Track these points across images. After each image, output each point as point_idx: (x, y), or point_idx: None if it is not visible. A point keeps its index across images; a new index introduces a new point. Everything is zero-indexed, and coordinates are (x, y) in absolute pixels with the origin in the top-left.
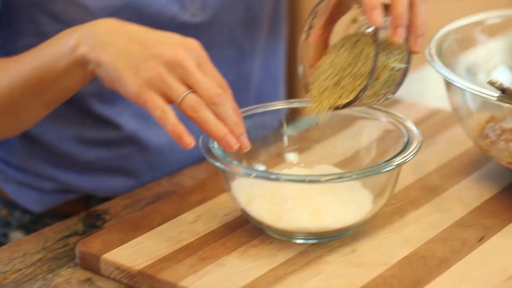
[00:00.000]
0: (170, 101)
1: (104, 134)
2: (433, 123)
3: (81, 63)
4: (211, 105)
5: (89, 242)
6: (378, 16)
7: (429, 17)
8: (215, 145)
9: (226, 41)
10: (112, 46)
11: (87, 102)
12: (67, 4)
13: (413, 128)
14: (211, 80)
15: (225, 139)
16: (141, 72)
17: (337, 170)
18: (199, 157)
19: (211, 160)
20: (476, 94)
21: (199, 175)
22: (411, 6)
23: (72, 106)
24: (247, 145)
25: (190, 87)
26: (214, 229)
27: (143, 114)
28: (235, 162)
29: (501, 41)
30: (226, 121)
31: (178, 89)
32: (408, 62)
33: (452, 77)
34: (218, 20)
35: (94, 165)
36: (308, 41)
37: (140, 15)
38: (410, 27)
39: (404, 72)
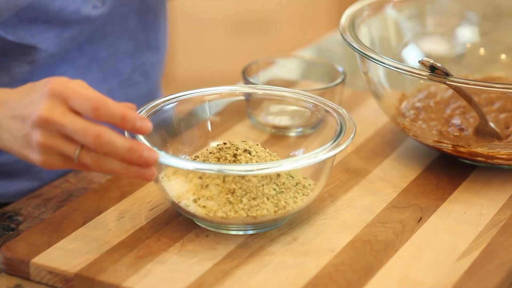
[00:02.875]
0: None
1: None
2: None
3: None
4: (96, 150)
5: (13, 246)
6: None
7: None
8: (141, 136)
9: (119, 31)
10: (2, 128)
11: None
12: None
13: (344, 112)
14: (83, 121)
15: (140, 176)
16: (34, 148)
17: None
18: None
19: None
20: (405, 73)
21: None
22: None
23: None
24: (153, 159)
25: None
26: (143, 225)
27: None
28: (165, 153)
29: (408, 19)
30: (119, 155)
31: (68, 150)
32: None
33: (374, 55)
34: (117, 10)
35: None
36: None
37: (45, 12)
38: None
39: None
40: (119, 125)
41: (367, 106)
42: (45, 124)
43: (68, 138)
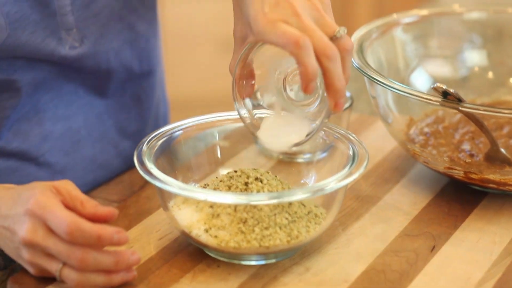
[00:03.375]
0: None
1: None
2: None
3: None
4: (82, 271)
5: (21, 278)
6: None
7: None
8: (149, 163)
9: (112, 62)
10: None
11: None
12: None
13: (355, 138)
14: (64, 244)
15: (124, 281)
16: (24, 260)
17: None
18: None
19: (150, 179)
20: (415, 98)
21: (111, 197)
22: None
23: None
24: (137, 261)
25: None
26: (153, 255)
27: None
28: (175, 181)
29: (415, 42)
30: (106, 270)
31: (50, 268)
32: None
33: (385, 81)
34: (101, 47)
35: None
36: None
37: (15, 55)
38: (329, 87)
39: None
40: (97, 245)
41: (373, 131)
42: (30, 245)
43: (52, 256)
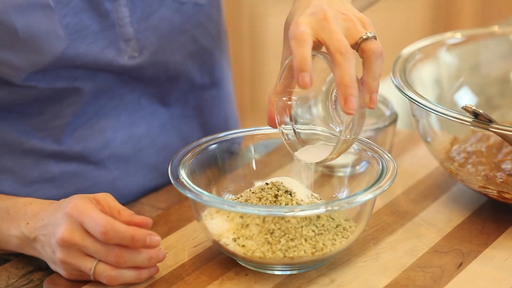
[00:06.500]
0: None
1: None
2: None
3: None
4: (118, 267)
5: (57, 279)
6: (353, 106)
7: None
8: (184, 175)
9: (173, 73)
10: (39, 242)
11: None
12: None
13: (388, 156)
14: (100, 245)
15: (149, 276)
16: (57, 263)
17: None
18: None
19: (182, 191)
20: (448, 118)
21: (159, 204)
22: (365, 61)
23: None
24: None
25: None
26: (185, 261)
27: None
28: (207, 193)
29: (464, 62)
30: (140, 265)
31: (84, 266)
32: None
33: (422, 101)
34: (162, 58)
35: None
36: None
37: (75, 65)
38: (363, 84)
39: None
40: (130, 246)
41: (421, 148)
42: (67, 245)
43: (86, 255)
